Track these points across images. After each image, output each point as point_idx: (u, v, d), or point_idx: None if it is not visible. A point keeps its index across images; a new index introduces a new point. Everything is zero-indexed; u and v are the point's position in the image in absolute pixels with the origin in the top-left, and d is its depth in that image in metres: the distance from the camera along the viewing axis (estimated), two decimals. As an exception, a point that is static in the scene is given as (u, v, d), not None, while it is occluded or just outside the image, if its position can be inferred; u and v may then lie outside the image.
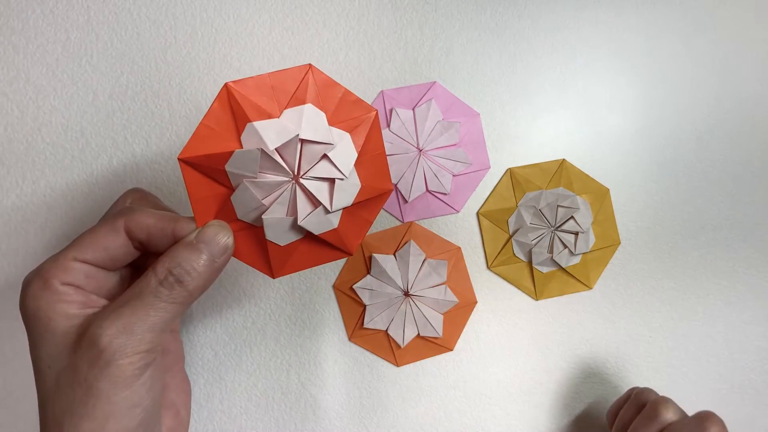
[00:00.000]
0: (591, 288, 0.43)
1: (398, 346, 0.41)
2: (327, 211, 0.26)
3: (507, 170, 0.43)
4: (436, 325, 0.39)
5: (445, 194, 0.42)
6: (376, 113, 0.27)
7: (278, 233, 0.26)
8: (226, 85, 0.24)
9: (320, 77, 0.25)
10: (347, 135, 0.26)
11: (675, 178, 0.45)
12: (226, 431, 0.40)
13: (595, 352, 0.44)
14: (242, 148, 0.24)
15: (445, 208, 0.42)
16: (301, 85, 0.25)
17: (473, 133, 0.43)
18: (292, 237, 0.26)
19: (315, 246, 0.27)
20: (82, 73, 0.39)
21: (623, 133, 0.44)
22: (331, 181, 0.25)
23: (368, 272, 0.39)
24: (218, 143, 0.24)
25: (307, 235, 0.26)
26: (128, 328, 0.23)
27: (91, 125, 0.39)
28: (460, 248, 0.40)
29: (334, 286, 0.39)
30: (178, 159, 0.24)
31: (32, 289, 0.25)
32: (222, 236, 0.25)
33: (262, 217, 0.25)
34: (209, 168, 0.25)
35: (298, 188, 0.25)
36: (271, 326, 0.41)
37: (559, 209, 0.41)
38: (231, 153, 0.24)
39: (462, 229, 0.42)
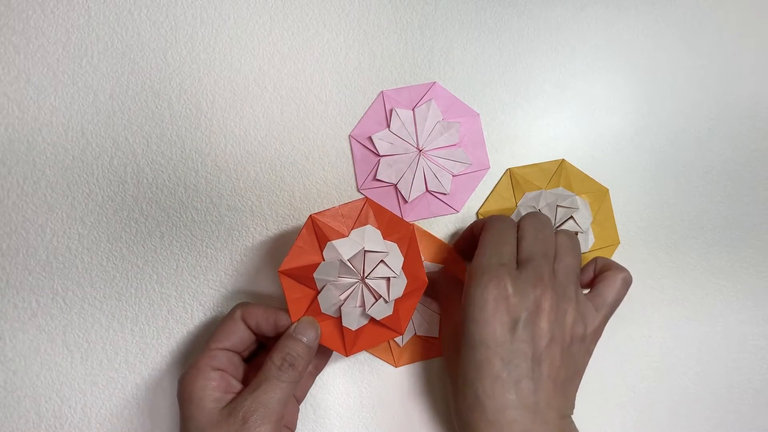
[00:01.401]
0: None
1: (397, 346, 0.41)
2: (386, 302, 0.34)
3: (507, 170, 0.43)
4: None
5: (444, 194, 0.42)
6: (413, 227, 0.36)
7: (352, 320, 0.34)
8: (311, 217, 0.33)
9: (374, 205, 0.35)
10: (395, 245, 0.35)
11: (674, 178, 0.45)
12: (227, 431, 0.40)
13: (594, 351, 0.44)
14: (324, 260, 0.33)
15: (445, 208, 0.42)
16: (362, 212, 0.34)
17: (473, 134, 0.43)
18: (363, 322, 0.35)
19: (375, 328, 0.36)
20: (82, 73, 0.40)
21: (623, 134, 0.44)
22: (387, 279, 0.34)
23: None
24: (307, 258, 0.33)
25: (371, 321, 0.35)
26: (263, 403, 0.32)
27: (92, 125, 0.39)
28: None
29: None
30: (279, 272, 0.33)
31: (188, 375, 0.33)
32: (314, 327, 0.34)
33: (341, 308, 0.34)
34: (301, 276, 0.33)
35: (364, 287, 0.34)
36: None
37: (559, 209, 0.42)
38: (317, 264, 0.33)
39: (462, 228, 0.42)
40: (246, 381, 0.35)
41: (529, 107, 0.43)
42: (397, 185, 0.41)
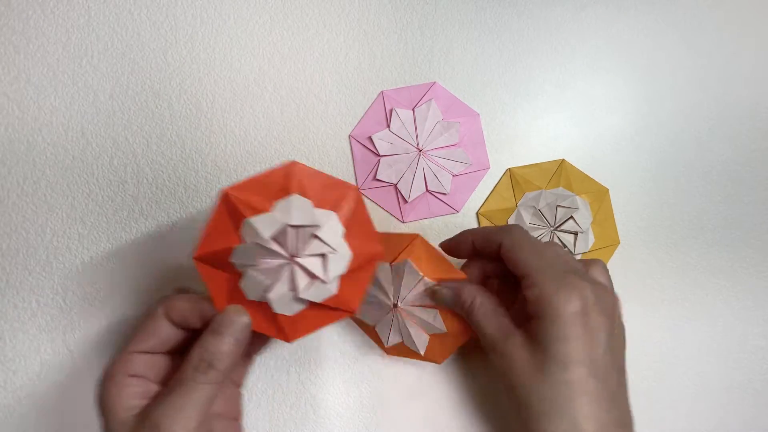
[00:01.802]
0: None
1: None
2: (324, 282, 0.29)
3: (506, 170, 0.43)
4: (419, 343, 0.37)
5: (444, 194, 0.42)
6: (356, 188, 0.31)
7: (285, 306, 0.30)
8: (224, 191, 0.29)
9: (302, 169, 0.30)
10: (333, 214, 0.29)
11: (674, 179, 0.45)
12: (227, 431, 0.40)
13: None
14: (243, 242, 0.29)
15: (445, 208, 0.42)
16: (286, 179, 0.29)
17: (473, 133, 0.43)
18: (299, 307, 0.30)
19: (321, 311, 0.31)
20: (82, 73, 0.40)
21: (623, 134, 0.44)
22: (323, 255, 0.29)
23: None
24: (222, 241, 0.29)
25: (312, 303, 0.30)
26: (178, 408, 0.29)
27: (92, 125, 0.39)
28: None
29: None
30: (193, 258, 0.29)
31: (102, 383, 0.31)
32: (238, 319, 0.30)
33: (267, 295, 0.29)
34: (218, 262, 0.29)
35: (295, 267, 0.29)
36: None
37: (559, 209, 0.41)
38: (232, 248, 0.29)
39: (462, 228, 0.42)
40: None
41: (529, 107, 0.43)
42: (397, 185, 0.41)
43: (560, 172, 0.43)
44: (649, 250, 0.45)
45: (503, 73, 0.43)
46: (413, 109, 0.42)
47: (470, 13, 0.43)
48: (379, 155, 0.41)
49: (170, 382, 0.30)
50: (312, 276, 0.29)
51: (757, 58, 0.46)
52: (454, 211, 0.43)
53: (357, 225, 0.30)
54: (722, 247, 0.45)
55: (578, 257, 0.42)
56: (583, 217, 0.42)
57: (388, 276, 0.36)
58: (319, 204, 0.29)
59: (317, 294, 0.30)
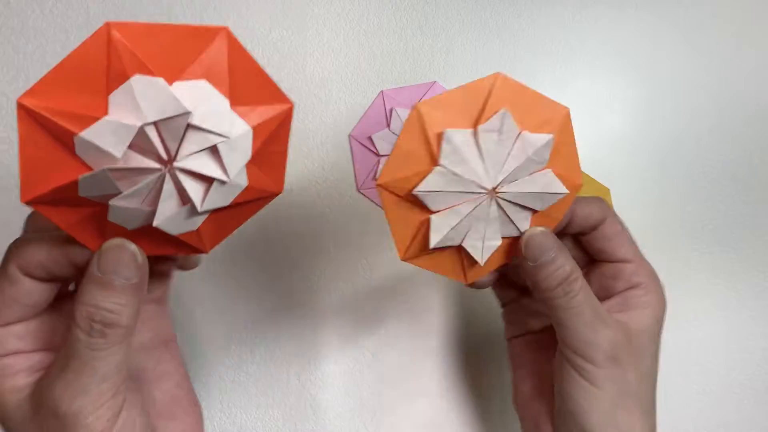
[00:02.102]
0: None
1: (473, 263, 0.28)
2: (223, 182, 0.21)
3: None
4: (552, 188, 0.26)
5: (445, 194, 0.42)
6: (222, 29, 0.20)
7: (182, 225, 0.22)
8: (20, 104, 0.19)
9: (130, 30, 0.19)
10: (203, 83, 0.20)
11: (675, 178, 0.45)
12: (226, 431, 0.40)
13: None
14: (89, 169, 0.20)
15: (445, 208, 0.42)
16: (111, 55, 0.19)
17: (473, 133, 0.43)
18: (203, 216, 0.23)
19: (236, 207, 0.23)
20: (81, 73, 0.39)
21: (623, 133, 0.44)
22: (213, 148, 0.20)
23: (435, 162, 0.24)
24: (56, 172, 0.20)
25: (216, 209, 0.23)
26: (81, 389, 0.22)
27: (91, 125, 0.39)
28: (567, 109, 0.27)
29: (380, 185, 0.24)
30: (25, 203, 0.21)
31: None
32: (125, 255, 0.22)
33: (154, 224, 0.21)
34: (65, 199, 0.21)
35: (178, 173, 0.20)
36: (271, 326, 0.41)
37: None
38: (76, 181, 0.20)
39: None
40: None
41: (529, 107, 0.43)
42: (397, 185, 0.41)
43: None
44: (649, 251, 0.44)
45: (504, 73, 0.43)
46: (413, 109, 0.42)
47: (470, 13, 0.43)
48: (379, 155, 0.41)
49: (61, 353, 0.23)
50: (207, 179, 0.21)
51: (758, 58, 0.46)
52: (455, 211, 0.42)
53: (244, 82, 0.21)
54: (723, 247, 0.45)
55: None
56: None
57: (472, 148, 0.24)
58: (176, 75, 0.20)
59: (222, 197, 0.22)
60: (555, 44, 0.44)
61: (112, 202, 0.20)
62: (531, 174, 0.26)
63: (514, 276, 0.33)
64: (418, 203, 0.25)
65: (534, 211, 0.27)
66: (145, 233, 0.22)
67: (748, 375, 0.45)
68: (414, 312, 0.42)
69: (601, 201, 0.31)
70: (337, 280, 0.41)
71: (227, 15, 0.41)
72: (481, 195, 0.25)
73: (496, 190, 0.25)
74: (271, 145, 0.22)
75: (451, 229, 0.25)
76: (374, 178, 0.41)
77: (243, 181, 0.22)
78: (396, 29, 0.42)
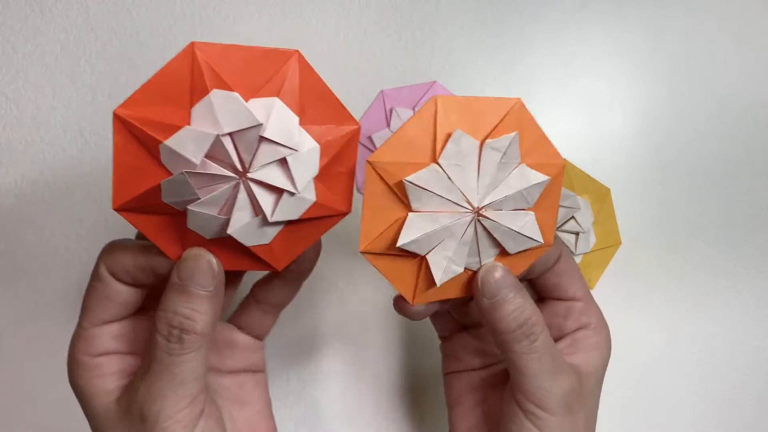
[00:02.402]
0: (592, 288, 0.43)
1: (427, 286, 0.27)
2: (295, 193, 0.23)
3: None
4: (529, 231, 0.25)
5: (445, 194, 0.42)
6: (295, 53, 0.23)
7: (255, 236, 0.23)
8: (115, 114, 0.21)
9: (212, 50, 0.21)
10: (275, 100, 0.22)
11: (676, 178, 0.45)
12: None
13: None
14: (169, 174, 0.22)
15: (446, 208, 0.42)
16: (194, 72, 0.21)
17: (473, 133, 0.42)
18: (275, 230, 0.24)
19: (305, 224, 0.24)
20: (80, 72, 0.39)
21: (624, 133, 0.44)
22: (282, 160, 0.22)
23: (434, 159, 0.24)
24: (142, 179, 0.22)
25: (289, 221, 0.24)
26: (159, 392, 0.23)
27: (90, 125, 0.39)
28: (564, 163, 0.27)
29: (371, 162, 0.23)
30: (115, 210, 0.22)
31: (69, 371, 0.25)
32: (203, 263, 0.23)
33: (228, 232, 0.23)
34: (150, 206, 0.22)
35: (252, 185, 0.22)
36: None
37: (560, 209, 0.41)
38: (159, 187, 0.22)
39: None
40: None
41: (529, 106, 0.43)
42: (397, 185, 0.41)
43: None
44: (650, 250, 0.44)
45: (504, 73, 0.43)
46: (413, 109, 0.41)
47: (471, 13, 0.43)
48: (379, 155, 0.41)
49: (144, 359, 0.24)
50: (277, 191, 0.23)
51: (757, 58, 0.46)
52: (455, 211, 0.42)
53: (313, 102, 0.23)
54: (724, 246, 0.45)
55: (579, 258, 0.42)
56: (585, 217, 0.41)
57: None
58: (252, 92, 0.22)
59: (292, 210, 0.23)
60: (555, 44, 0.44)
61: (191, 206, 0.22)
62: (515, 210, 0.25)
63: (455, 312, 0.32)
64: (399, 197, 0.24)
65: (503, 252, 0.26)
66: (223, 246, 0.24)
67: (748, 375, 0.45)
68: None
69: (557, 237, 0.30)
70: (337, 280, 0.41)
71: (226, 14, 0.41)
72: (465, 211, 0.24)
73: (480, 211, 0.25)
74: (337, 165, 0.24)
75: (424, 233, 0.24)
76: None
77: (311, 196, 0.23)
78: (396, 28, 0.42)
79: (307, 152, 0.22)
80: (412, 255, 0.25)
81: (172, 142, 0.21)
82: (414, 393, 0.42)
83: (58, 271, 0.39)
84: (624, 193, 0.44)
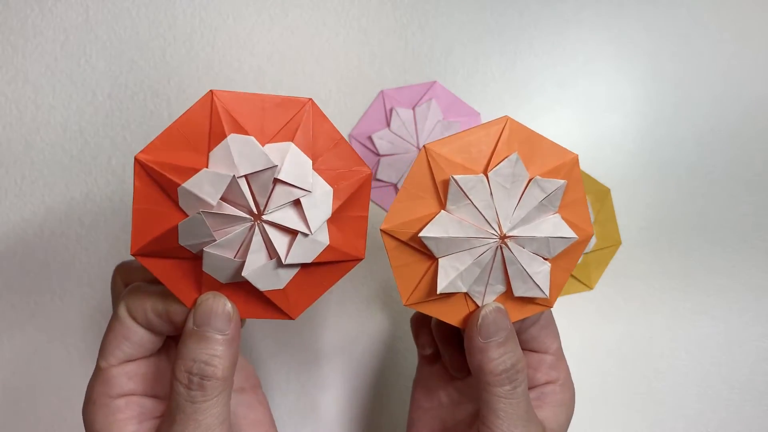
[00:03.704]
0: (592, 288, 0.43)
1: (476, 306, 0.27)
2: (307, 234, 0.23)
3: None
4: (541, 281, 0.26)
5: (445, 194, 0.42)
6: (309, 101, 0.23)
7: (270, 280, 0.24)
8: (136, 159, 0.22)
9: (230, 98, 0.23)
10: (290, 144, 0.23)
11: (676, 178, 0.45)
12: None
13: (594, 352, 0.44)
14: (186, 217, 0.22)
15: (446, 208, 0.42)
16: (212, 118, 0.22)
17: (473, 133, 0.42)
18: (288, 274, 0.24)
19: (319, 269, 0.25)
20: (80, 72, 0.39)
21: (624, 133, 0.44)
22: (296, 201, 0.23)
23: (442, 206, 0.25)
24: (161, 222, 0.22)
25: (305, 264, 0.24)
26: None
27: (90, 125, 0.39)
28: (576, 155, 0.27)
29: (383, 230, 0.24)
30: (132, 255, 0.23)
31: (86, 411, 0.25)
32: (218, 308, 0.23)
33: (243, 274, 0.23)
34: (166, 250, 0.23)
35: (266, 227, 0.23)
36: (270, 326, 0.41)
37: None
38: (176, 229, 0.22)
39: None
40: None
41: (529, 107, 0.43)
42: (398, 185, 0.41)
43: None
44: (650, 251, 0.44)
45: (504, 73, 0.43)
46: (413, 109, 0.41)
47: (471, 12, 0.43)
48: (379, 155, 0.41)
49: (167, 407, 0.24)
50: (291, 232, 0.23)
51: (758, 58, 0.46)
52: (455, 211, 0.42)
53: (326, 148, 0.24)
54: (724, 246, 0.45)
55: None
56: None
57: (482, 193, 0.24)
58: (268, 138, 0.23)
59: (305, 253, 0.23)
60: (555, 44, 0.44)
61: (207, 248, 0.22)
62: (540, 219, 0.25)
63: (439, 343, 0.32)
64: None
65: (507, 292, 0.26)
66: (238, 292, 0.24)
67: (748, 375, 0.45)
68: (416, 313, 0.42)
69: None
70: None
71: (226, 14, 0.41)
72: (492, 233, 0.24)
73: (505, 239, 0.25)
74: (351, 209, 0.24)
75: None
76: (375, 178, 0.41)
77: (324, 239, 0.24)
78: (396, 28, 0.42)
79: (320, 195, 0.23)
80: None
81: (190, 184, 0.22)
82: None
83: (57, 271, 0.39)
84: (624, 193, 0.44)
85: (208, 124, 0.22)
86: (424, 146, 0.24)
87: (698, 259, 0.45)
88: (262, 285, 0.23)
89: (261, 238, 0.23)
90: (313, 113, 0.23)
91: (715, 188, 0.45)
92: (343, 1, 0.42)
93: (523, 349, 0.29)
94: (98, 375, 0.25)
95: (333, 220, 0.24)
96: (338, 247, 0.24)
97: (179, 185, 0.22)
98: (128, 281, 0.27)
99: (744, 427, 0.45)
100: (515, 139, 0.25)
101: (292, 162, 0.22)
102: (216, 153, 0.22)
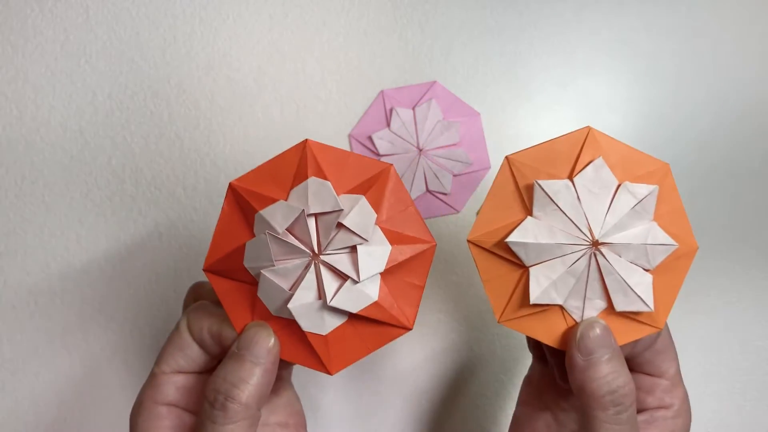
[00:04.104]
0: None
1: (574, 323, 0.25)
2: (356, 282, 0.23)
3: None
4: (642, 292, 0.24)
5: (445, 194, 0.42)
6: (391, 167, 0.25)
7: (313, 320, 0.24)
8: (231, 185, 0.24)
9: (322, 150, 0.25)
10: (361, 197, 0.24)
11: (676, 178, 0.45)
12: None
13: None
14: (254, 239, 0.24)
15: (446, 208, 0.42)
16: (301, 161, 0.24)
17: (473, 133, 0.42)
18: (333, 321, 0.24)
19: (366, 328, 0.25)
20: (80, 72, 0.39)
21: (624, 133, 0.44)
22: (353, 248, 0.24)
23: (528, 213, 0.24)
24: (233, 242, 0.24)
25: (351, 317, 0.24)
26: None
27: (90, 125, 0.39)
28: (667, 165, 0.25)
29: (470, 241, 0.24)
30: (204, 270, 0.25)
31: (134, 413, 0.26)
32: (261, 337, 0.24)
33: (288, 306, 0.24)
34: (232, 269, 0.25)
35: (322, 266, 0.24)
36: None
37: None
38: (243, 248, 0.24)
39: (463, 228, 0.42)
40: None
41: (530, 106, 0.43)
42: (397, 185, 0.41)
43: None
44: (650, 251, 0.44)
45: (504, 72, 0.43)
46: (413, 109, 0.41)
47: (471, 12, 0.43)
48: (379, 155, 0.41)
49: (194, 424, 0.25)
50: (343, 277, 0.24)
51: (758, 58, 0.46)
52: (455, 211, 0.42)
53: (397, 211, 0.25)
54: (724, 247, 0.45)
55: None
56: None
57: (568, 197, 0.23)
58: (344, 189, 0.24)
59: (351, 300, 0.24)
60: (556, 43, 0.44)
61: (264, 271, 0.24)
62: (635, 226, 0.24)
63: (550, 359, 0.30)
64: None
65: (609, 308, 0.24)
66: (285, 330, 0.25)
67: (749, 375, 0.45)
68: (423, 314, 0.42)
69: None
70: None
71: (226, 14, 0.41)
72: (583, 238, 0.23)
73: (599, 246, 0.23)
74: (407, 275, 0.25)
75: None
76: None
77: (373, 294, 0.24)
78: (396, 28, 0.42)
79: (376, 248, 0.24)
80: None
81: (266, 211, 0.24)
82: (417, 395, 0.42)
83: (57, 271, 0.39)
84: (624, 193, 0.44)
85: (296, 165, 0.24)
86: (506, 157, 0.23)
87: (698, 258, 0.45)
88: (304, 323, 0.24)
89: (314, 276, 0.24)
90: (392, 179, 0.25)
91: (715, 188, 0.45)
92: (343, 1, 0.42)
93: (635, 371, 0.28)
94: (151, 380, 0.26)
95: (387, 280, 0.25)
96: (386, 307, 0.24)
97: (257, 211, 0.24)
98: (198, 299, 0.28)
99: (744, 427, 0.45)
100: (598, 147, 0.24)
101: (359, 212, 0.24)
102: (296, 191, 0.24)
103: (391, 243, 0.24)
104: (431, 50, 0.42)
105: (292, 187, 0.24)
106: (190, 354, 0.26)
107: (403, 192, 0.25)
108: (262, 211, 0.24)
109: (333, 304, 0.23)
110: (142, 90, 0.40)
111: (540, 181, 0.23)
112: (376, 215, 0.24)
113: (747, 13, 0.46)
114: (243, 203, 0.24)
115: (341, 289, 0.24)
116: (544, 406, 0.31)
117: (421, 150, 0.41)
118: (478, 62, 0.43)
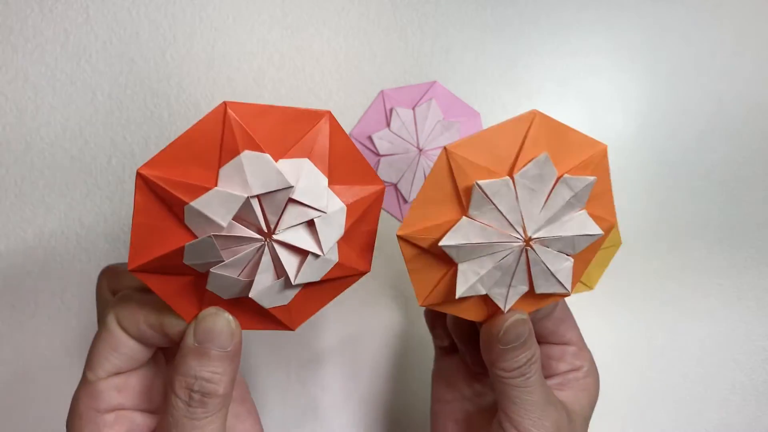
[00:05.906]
0: (592, 289, 0.43)
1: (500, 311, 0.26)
2: (317, 255, 0.22)
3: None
4: (563, 277, 0.25)
5: (445, 194, 0.42)
6: (326, 114, 0.22)
7: (275, 298, 0.23)
8: (139, 174, 0.20)
9: (244, 110, 0.21)
10: (305, 161, 0.22)
11: (676, 178, 0.45)
12: None
13: (595, 352, 0.44)
14: (193, 237, 0.21)
15: (446, 208, 0.42)
16: (225, 132, 0.21)
17: (474, 133, 0.42)
18: (293, 292, 0.24)
19: (325, 284, 0.24)
20: (80, 72, 0.39)
21: (624, 133, 0.44)
22: (310, 222, 0.22)
23: (464, 212, 0.23)
24: (163, 240, 0.21)
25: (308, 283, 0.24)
26: None
27: (90, 125, 0.39)
28: (605, 146, 0.25)
29: (400, 236, 0.23)
30: (130, 270, 0.21)
31: (72, 427, 0.24)
32: (221, 326, 0.23)
33: (250, 295, 0.22)
34: (168, 267, 0.22)
35: (277, 247, 0.22)
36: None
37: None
38: (182, 248, 0.21)
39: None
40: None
41: (529, 106, 0.43)
42: (397, 185, 0.41)
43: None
44: (650, 251, 0.44)
45: (504, 72, 0.43)
46: (413, 109, 0.41)
47: (471, 12, 0.43)
48: (379, 155, 0.41)
49: (162, 424, 0.23)
50: (301, 252, 0.22)
51: (757, 58, 0.46)
52: (455, 211, 0.42)
53: (341, 162, 0.23)
54: (724, 247, 0.45)
55: None
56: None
57: (507, 196, 0.23)
58: (282, 153, 0.21)
59: (315, 272, 0.23)
60: (556, 43, 0.44)
61: (214, 269, 0.21)
62: (567, 217, 0.24)
63: (455, 335, 0.31)
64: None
65: (530, 291, 0.25)
66: (239, 306, 0.23)
67: (749, 375, 0.45)
68: (419, 313, 0.42)
69: None
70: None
71: (226, 13, 0.41)
72: (516, 237, 0.23)
73: (531, 239, 0.24)
74: (361, 224, 0.24)
75: (479, 277, 0.23)
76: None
77: (334, 257, 0.23)
78: (396, 28, 0.42)
79: (333, 214, 0.22)
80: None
81: (199, 203, 0.20)
82: (417, 395, 0.42)
83: (57, 272, 0.39)
84: (623, 193, 0.44)
85: (220, 137, 0.21)
86: (444, 147, 0.22)
87: (698, 259, 0.45)
88: (267, 303, 0.23)
89: (270, 257, 0.22)
90: (330, 127, 0.22)
91: (715, 188, 0.45)
92: (343, 1, 0.42)
93: (543, 343, 0.30)
94: (85, 387, 0.24)
95: (343, 237, 0.23)
96: (346, 263, 0.23)
97: (186, 203, 0.20)
98: (116, 288, 0.25)
99: (744, 427, 0.45)
100: (543, 135, 0.23)
101: (307, 181, 0.21)
102: (227, 170, 0.21)
103: (344, 200, 0.23)
104: (431, 50, 0.42)
105: (220, 166, 0.21)
106: (126, 352, 0.24)
107: (345, 139, 0.23)
108: (193, 204, 0.20)
109: (298, 281, 0.22)
110: (142, 90, 0.40)
111: (480, 183, 0.22)
112: (326, 179, 0.22)
113: (747, 13, 0.46)
114: (163, 193, 0.20)
115: (304, 266, 0.22)
116: (459, 396, 0.32)
117: (421, 150, 0.41)
118: (478, 62, 0.43)
